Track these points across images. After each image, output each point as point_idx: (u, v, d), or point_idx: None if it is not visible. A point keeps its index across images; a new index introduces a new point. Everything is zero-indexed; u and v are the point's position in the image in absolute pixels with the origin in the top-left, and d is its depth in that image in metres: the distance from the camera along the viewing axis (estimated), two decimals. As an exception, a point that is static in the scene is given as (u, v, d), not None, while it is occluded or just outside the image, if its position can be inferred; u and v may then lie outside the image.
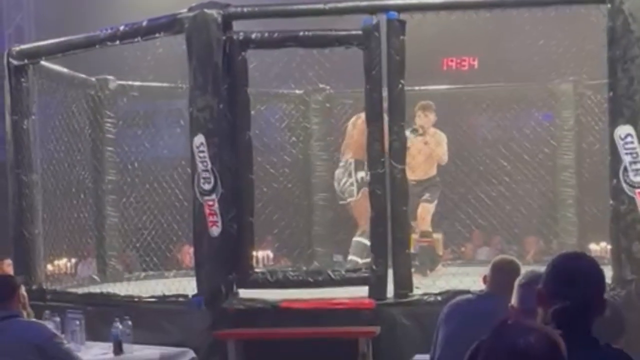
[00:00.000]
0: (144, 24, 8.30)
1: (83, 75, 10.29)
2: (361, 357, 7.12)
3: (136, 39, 8.38)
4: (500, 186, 11.29)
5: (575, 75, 11.27)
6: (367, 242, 8.33)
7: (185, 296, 7.89)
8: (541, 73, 11.25)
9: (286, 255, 11.60)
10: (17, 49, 9.32)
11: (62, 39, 9.07)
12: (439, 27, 8.61)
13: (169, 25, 8.09)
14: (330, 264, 10.73)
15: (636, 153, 7.12)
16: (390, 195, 7.62)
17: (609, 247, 7.82)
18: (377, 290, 7.50)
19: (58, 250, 9.70)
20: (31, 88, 9.19)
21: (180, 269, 10.83)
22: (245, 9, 7.94)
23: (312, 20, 8.12)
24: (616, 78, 7.28)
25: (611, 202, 7.32)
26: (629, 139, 7.16)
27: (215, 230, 7.64)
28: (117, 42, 8.50)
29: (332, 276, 7.78)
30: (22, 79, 9.11)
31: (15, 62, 9.09)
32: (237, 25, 7.95)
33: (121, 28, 8.45)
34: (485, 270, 5.27)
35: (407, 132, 9.37)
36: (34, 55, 9.23)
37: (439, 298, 7.20)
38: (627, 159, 7.15)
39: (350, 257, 9.34)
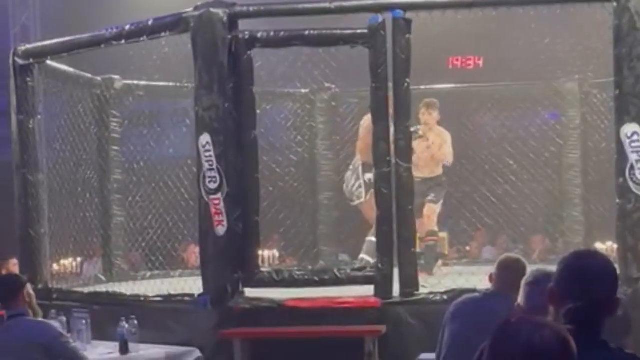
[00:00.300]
0: (150, 23, 8.30)
1: (89, 75, 10.30)
2: (367, 356, 7.12)
3: (142, 38, 8.39)
4: (506, 185, 11.27)
5: (581, 73, 11.24)
6: None
7: (191, 295, 7.89)
8: (547, 71, 11.23)
9: (292, 254, 11.59)
10: (23, 48, 9.33)
11: (68, 38, 9.08)
12: (444, 26, 8.59)
13: (175, 24, 8.09)
14: (336, 263, 10.73)
15: (643, 151, 7.12)
16: (395, 194, 7.61)
17: (615, 246, 7.80)
18: (383, 289, 7.49)
19: (64, 249, 9.70)
20: (37, 87, 9.21)
21: (186, 268, 10.83)
22: (251, 8, 7.94)
23: (318, 19, 8.12)
24: (622, 76, 7.27)
25: (617, 200, 7.31)
26: (635, 137, 7.15)
27: (221, 229, 7.64)
28: (123, 41, 8.50)
29: (338, 275, 7.77)
30: (28, 79, 9.12)
31: (21, 62, 9.10)
32: (242, 24, 7.95)
33: (127, 27, 8.46)
34: (491, 269, 5.26)
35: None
36: (40, 54, 9.24)
37: (445, 297, 7.20)
38: (633, 158, 7.14)
39: (361, 256, 9.33)
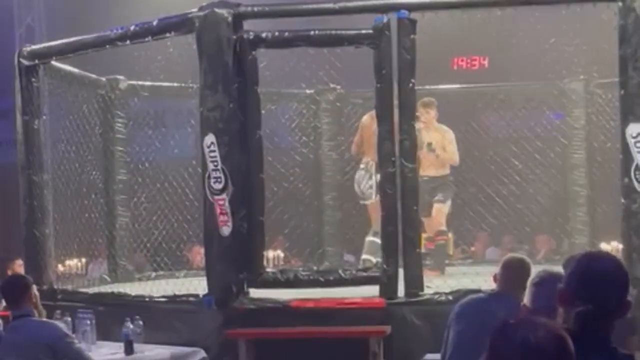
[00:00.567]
0: (155, 23, 8.30)
1: (94, 76, 10.30)
2: (372, 357, 7.11)
3: (146, 39, 8.40)
4: (512, 185, 11.26)
5: (586, 73, 11.23)
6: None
7: (196, 296, 7.89)
8: (552, 72, 11.21)
9: (297, 255, 11.59)
10: (28, 49, 9.34)
11: (73, 39, 9.08)
12: (449, 26, 8.59)
13: (180, 24, 8.09)
14: (341, 264, 10.72)
15: (647, 151, 7.11)
16: (400, 194, 7.61)
17: (620, 246, 7.79)
18: (388, 289, 7.49)
19: (69, 250, 9.72)
20: (42, 88, 9.22)
21: (191, 269, 10.84)
22: (255, 9, 7.94)
23: (323, 19, 8.11)
24: (627, 76, 7.27)
25: (622, 200, 7.31)
26: (640, 137, 7.14)
27: (226, 230, 7.65)
28: (128, 41, 8.51)
29: (343, 275, 7.77)
30: (33, 79, 9.13)
31: (26, 62, 9.11)
32: (247, 24, 7.95)
33: (131, 28, 8.46)
34: (496, 269, 5.26)
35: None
36: (45, 55, 9.25)
37: (450, 297, 7.20)
38: (638, 158, 7.13)
39: (364, 257, 9.32)
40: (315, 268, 9.58)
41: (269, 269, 8.28)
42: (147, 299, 8.26)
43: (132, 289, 8.93)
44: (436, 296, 7.42)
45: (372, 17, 7.70)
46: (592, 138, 11.26)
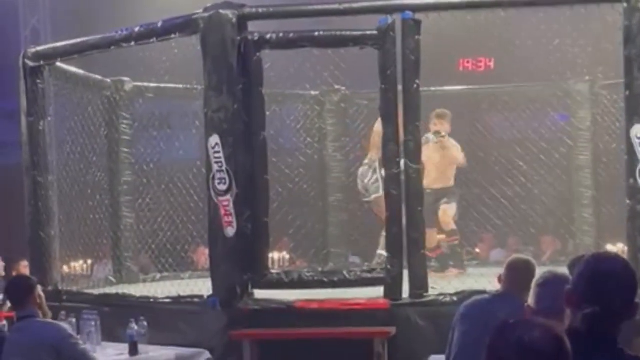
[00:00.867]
0: (159, 24, 8.31)
1: (99, 77, 10.30)
2: (376, 358, 7.11)
3: (151, 40, 8.39)
4: (517, 186, 11.25)
5: (591, 74, 11.22)
6: None
7: (201, 297, 7.89)
8: (557, 73, 11.20)
9: (301, 256, 11.59)
10: (33, 50, 9.34)
11: (78, 40, 9.09)
12: (454, 27, 8.58)
13: (184, 26, 8.09)
14: (345, 265, 10.72)
15: (653, 152, 7.10)
16: (405, 195, 7.60)
17: (625, 248, 7.78)
18: (393, 290, 7.49)
19: (74, 251, 9.72)
20: (47, 89, 9.23)
21: (196, 270, 10.85)
22: (260, 10, 7.94)
23: (327, 20, 8.11)
24: (632, 77, 7.26)
25: (628, 201, 7.30)
26: (645, 138, 7.13)
27: (231, 231, 7.65)
28: (133, 43, 8.51)
29: (347, 276, 7.77)
30: (38, 81, 9.14)
31: (31, 64, 9.12)
32: (252, 25, 7.95)
33: (136, 29, 8.46)
34: (501, 270, 5.26)
35: (430, 135, 9.41)
36: (50, 56, 9.25)
37: (455, 298, 7.19)
38: (643, 159, 7.12)
39: (379, 252, 9.31)
40: (320, 269, 9.58)
41: (274, 270, 8.28)
42: (151, 300, 8.27)
43: (137, 290, 8.94)
44: (441, 297, 7.42)
45: (376, 18, 7.70)
46: (597, 139, 11.25)
